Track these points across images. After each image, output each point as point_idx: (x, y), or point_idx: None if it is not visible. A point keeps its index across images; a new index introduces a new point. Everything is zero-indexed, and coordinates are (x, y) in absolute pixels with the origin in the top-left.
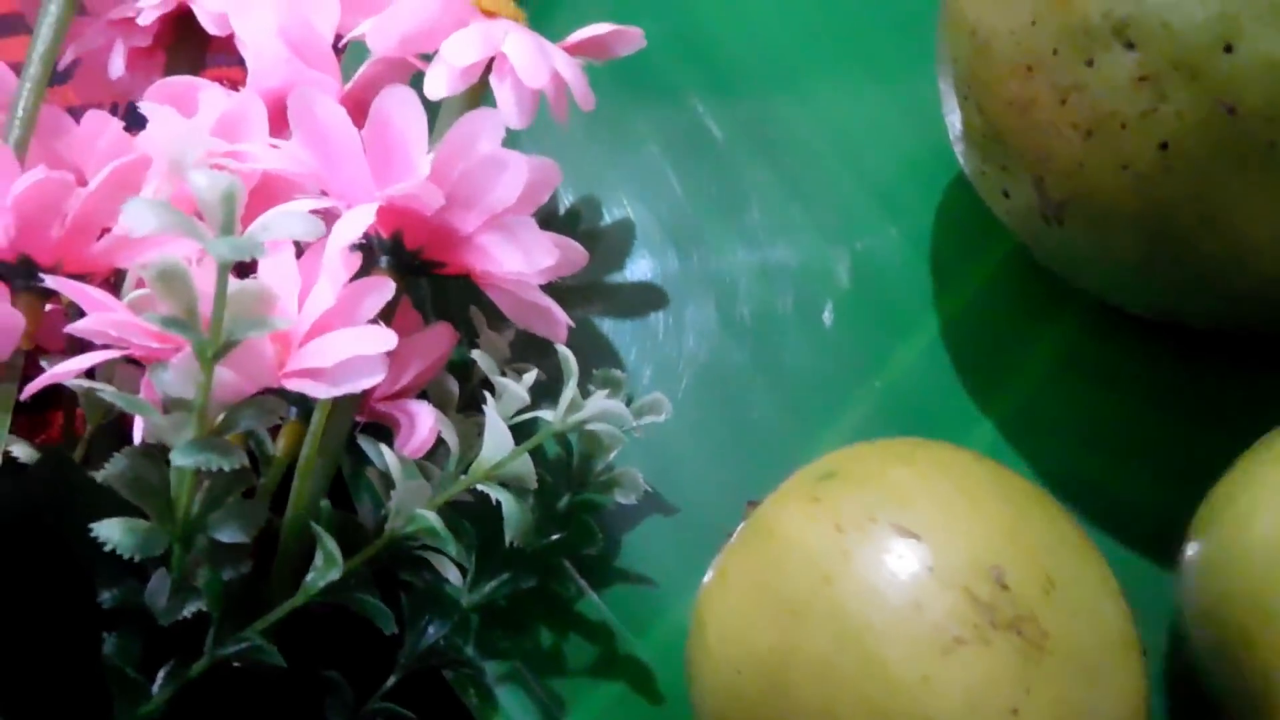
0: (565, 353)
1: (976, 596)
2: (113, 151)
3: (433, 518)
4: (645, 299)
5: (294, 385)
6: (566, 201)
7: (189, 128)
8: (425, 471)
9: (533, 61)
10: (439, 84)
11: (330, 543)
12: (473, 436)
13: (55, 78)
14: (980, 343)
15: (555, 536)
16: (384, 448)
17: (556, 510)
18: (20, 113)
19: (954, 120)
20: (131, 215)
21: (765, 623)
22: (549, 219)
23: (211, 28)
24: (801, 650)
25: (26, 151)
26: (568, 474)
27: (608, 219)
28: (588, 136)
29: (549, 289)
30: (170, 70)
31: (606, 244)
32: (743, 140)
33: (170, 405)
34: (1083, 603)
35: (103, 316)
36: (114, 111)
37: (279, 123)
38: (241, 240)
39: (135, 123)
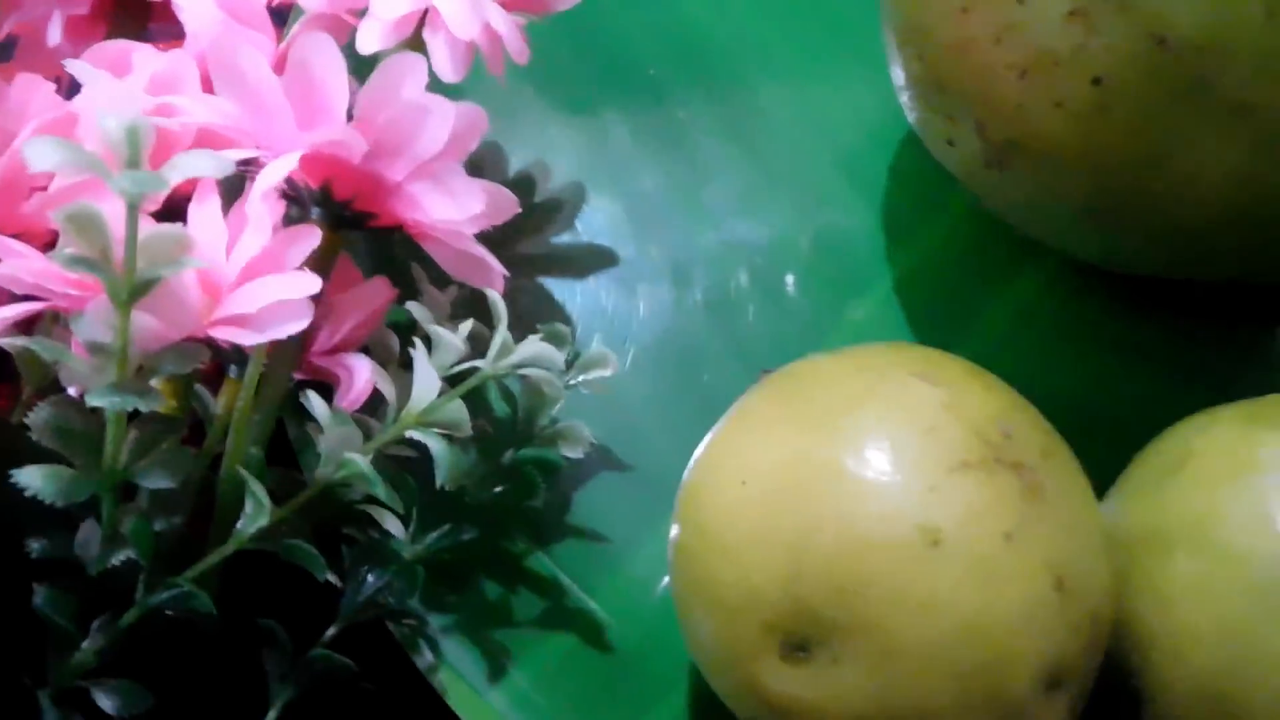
0: (494, 297)
1: (986, 437)
2: (45, 112)
3: (361, 461)
4: (597, 266)
5: (220, 333)
6: (515, 168)
7: (122, 87)
8: (364, 426)
9: (465, 14)
10: (371, 38)
11: (258, 487)
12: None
13: None
14: (936, 298)
15: (498, 489)
16: (315, 396)
17: (501, 464)
18: None
19: (898, 71)
20: (33, 152)
21: (778, 439)
22: (496, 178)
23: None
24: (815, 456)
25: None
26: (513, 428)
27: (559, 184)
28: (544, 106)
29: (497, 255)
30: (111, 38)
31: (558, 211)
32: (704, 111)
33: (92, 351)
34: (1071, 480)
35: (20, 263)
36: (58, 86)
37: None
38: (146, 175)
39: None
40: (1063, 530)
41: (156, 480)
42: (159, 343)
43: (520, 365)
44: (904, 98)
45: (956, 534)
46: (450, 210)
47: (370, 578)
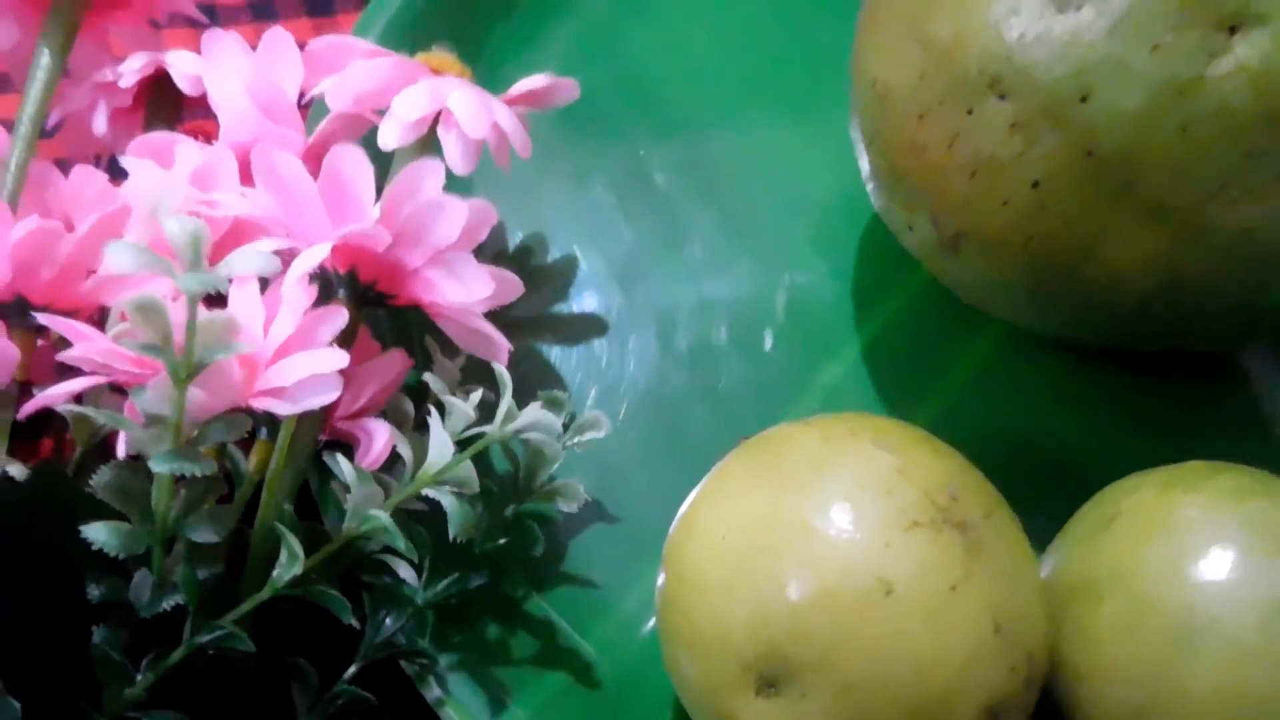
0: (500, 369)
1: (935, 500)
2: (98, 201)
3: (383, 517)
4: (590, 329)
5: (260, 404)
6: (516, 239)
7: (167, 178)
8: (382, 483)
9: (475, 115)
10: (391, 136)
11: (293, 540)
12: (426, 451)
13: (43, 133)
14: (900, 362)
15: (502, 541)
16: (342, 458)
17: (504, 518)
18: (13, 168)
19: (864, 163)
20: (113, 256)
21: (753, 499)
22: (499, 256)
23: (186, 88)
24: (785, 515)
25: (19, 203)
26: (515, 485)
27: (555, 254)
28: (537, 175)
29: (500, 322)
30: (150, 124)
31: (553, 279)
32: (683, 179)
33: (150, 421)
34: (1010, 536)
35: (89, 345)
36: (97, 163)
37: (250, 171)
38: (207, 275)
39: (117, 173)
40: (1002, 581)
41: (202, 535)
42: (208, 413)
43: (523, 430)
44: (869, 185)
45: (908, 585)
46: (462, 294)
47: (388, 621)
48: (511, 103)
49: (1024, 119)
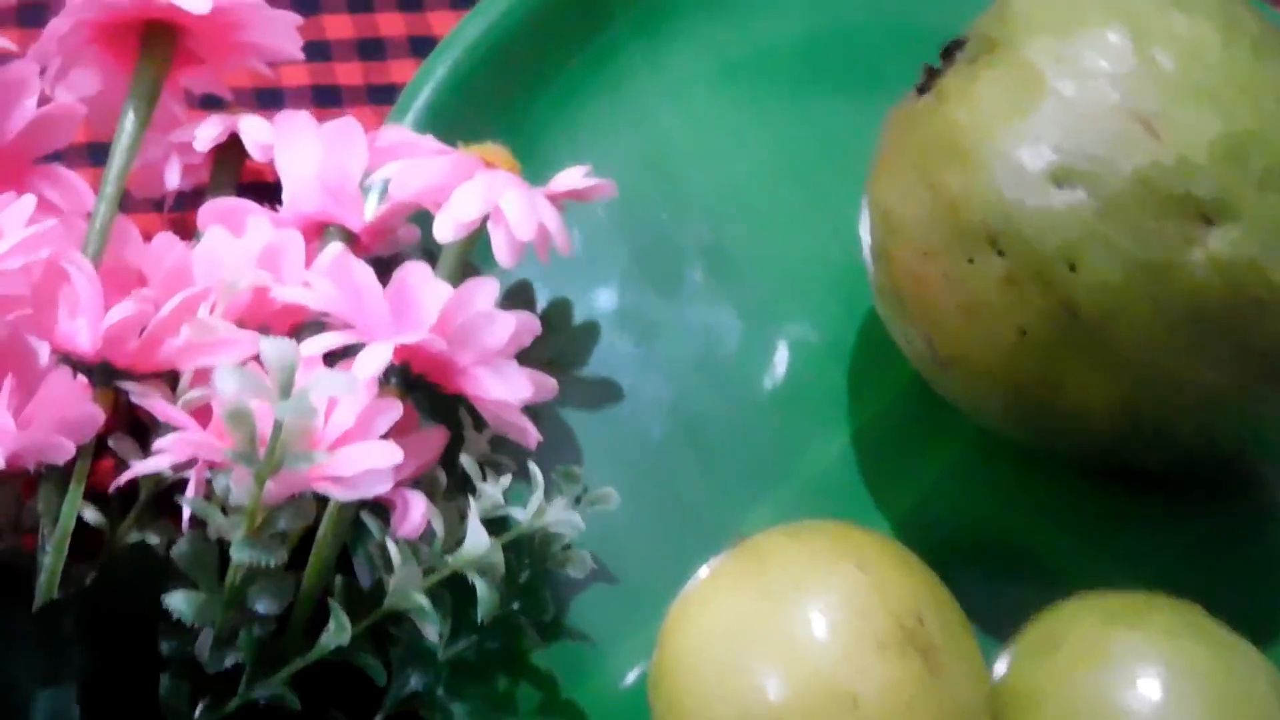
0: (534, 469)
1: (902, 623)
2: (175, 270)
3: (424, 602)
4: (603, 393)
5: (321, 488)
6: (542, 302)
7: (238, 251)
8: (415, 549)
9: (523, 217)
10: (446, 231)
11: (343, 615)
12: (455, 520)
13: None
14: (886, 449)
15: (515, 605)
16: (391, 545)
17: (518, 582)
18: (98, 227)
19: (871, 270)
20: (222, 380)
21: (741, 602)
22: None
23: (256, 154)
24: (769, 622)
25: (101, 259)
26: (530, 553)
27: (577, 319)
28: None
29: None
30: (215, 173)
31: (575, 343)
32: (697, 254)
33: (229, 510)
34: (966, 655)
35: (186, 438)
36: (161, 205)
37: (310, 235)
38: (298, 402)
39: (179, 205)
40: (955, 695)
41: (264, 604)
42: (278, 499)
43: (549, 524)
44: (873, 290)
45: (872, 701)
46: (503, 392)
47: (413, 679)
48: (554, 198)
49: (1017, 276)
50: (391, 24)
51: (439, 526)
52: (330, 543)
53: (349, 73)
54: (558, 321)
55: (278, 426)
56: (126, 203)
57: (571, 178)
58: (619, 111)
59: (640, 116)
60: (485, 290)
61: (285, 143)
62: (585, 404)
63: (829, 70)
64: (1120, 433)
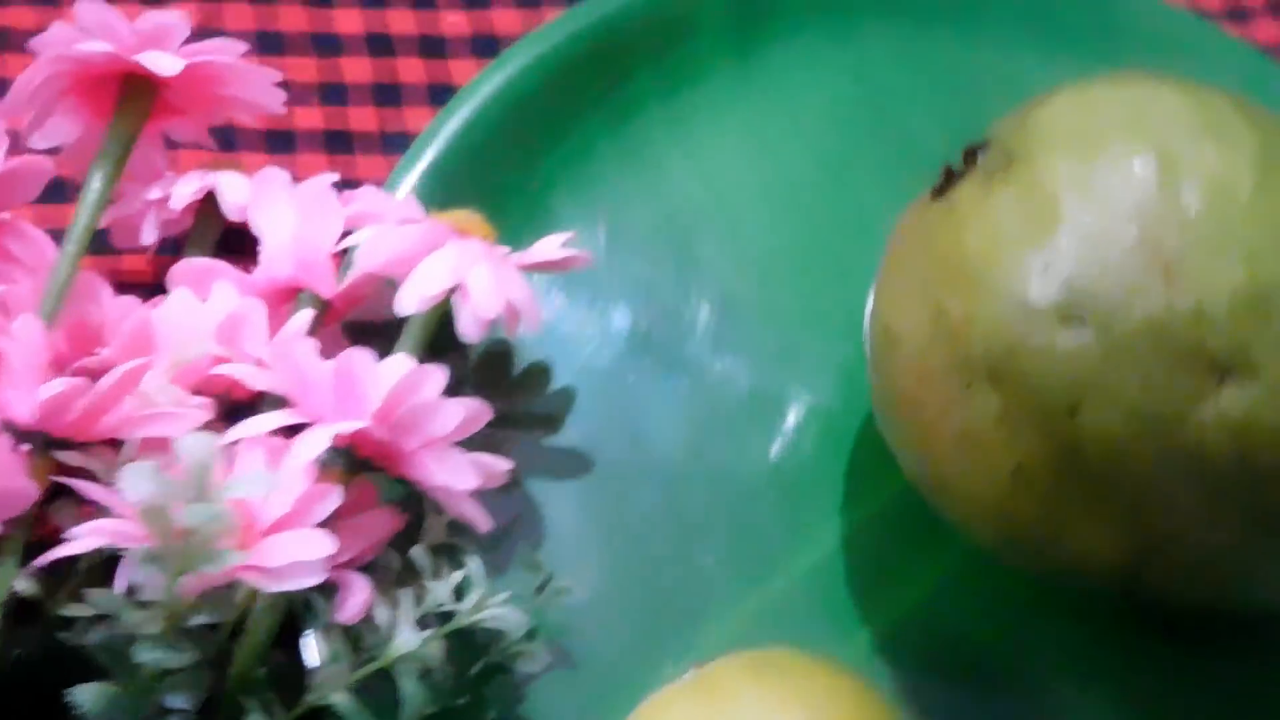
0: (476, 566)
1: None
2: (135, 329)
3: (344, 701)
4: (577, 469)
5: (246, 577)
6: (521, 365)
7: (200, 322)
8: (359, 635)
9: (489, 295)
10: (410, 303)
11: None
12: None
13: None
14: (874, 556)
15: (462, 701)
16: (311, 639)
17: (469, 675)
18: (56, 285)
19: (870, 379)
20: (131, 483)
21: None
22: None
23: (231, 215)
24: None
25: (60, 317)
26: (478, 647)
27: (573, 380)
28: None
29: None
30: (198, 222)
31: (550, 413)
32: (703, 324)
33: (141, 604)
34: None
35: (98, 527)
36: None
37: (281, 300)
38: (211, 508)
39: (170, 249)
40: None
41: (179, 700)
42: (196, 591)
43: (489, 621)
44: (872, 397)
45: None
46: (449, 480)
47: None
48: (528, 268)
49: (1013, 414)
50: (411, 70)
51: (384, 620)
52: (264, 629)
53: (362, 118)
54: (533, 385)
55: (191, 534)
56: (113, 242)
57: (547, 248)
58: (634, 169)
59: (656, 175)
60: (433, 380)
61: (260, 204)
62: (564, 474)
63: (858, 139)
64: (1119, 585)
